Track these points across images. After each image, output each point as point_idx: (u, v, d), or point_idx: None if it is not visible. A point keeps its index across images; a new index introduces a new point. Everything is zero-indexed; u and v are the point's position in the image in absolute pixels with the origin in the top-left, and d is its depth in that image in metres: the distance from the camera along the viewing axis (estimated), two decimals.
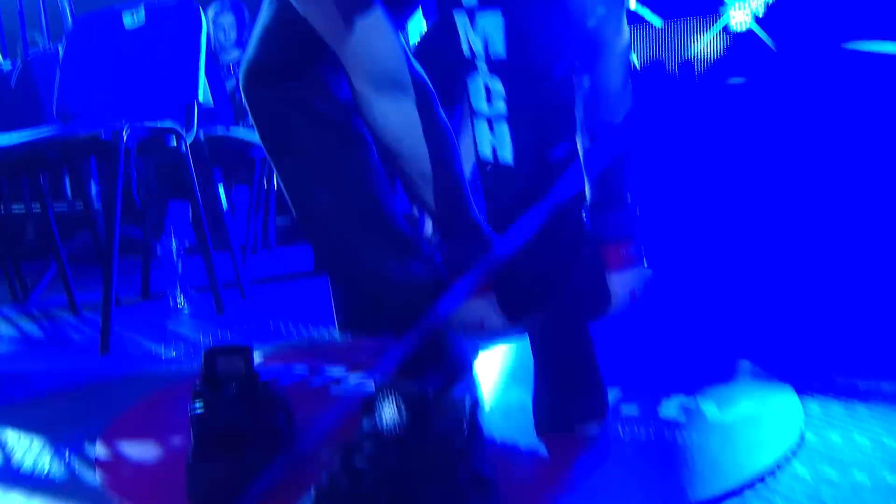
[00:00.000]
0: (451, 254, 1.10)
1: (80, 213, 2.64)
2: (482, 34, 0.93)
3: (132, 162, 1.72)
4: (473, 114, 0.98)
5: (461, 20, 0.94)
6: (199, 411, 0.92)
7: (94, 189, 2.77)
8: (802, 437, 1.00)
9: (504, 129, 0.96)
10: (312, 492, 0.74)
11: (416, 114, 1.02)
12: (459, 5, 0.94)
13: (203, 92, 2.15)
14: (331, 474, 0.74)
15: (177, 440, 1.10)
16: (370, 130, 1.07)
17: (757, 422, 1.08)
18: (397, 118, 1.02)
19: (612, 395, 1.20)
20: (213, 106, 2.72)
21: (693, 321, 1.74)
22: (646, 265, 1.14)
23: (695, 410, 1.13)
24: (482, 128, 0.97)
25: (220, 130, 2.63)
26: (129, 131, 1.72)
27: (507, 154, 0.97)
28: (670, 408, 1.14)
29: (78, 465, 1.04)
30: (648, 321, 1.69)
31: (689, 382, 1.27)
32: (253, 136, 2.58)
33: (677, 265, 2.49)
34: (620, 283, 1.10)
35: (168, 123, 1.93)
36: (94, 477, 0.99)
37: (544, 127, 0.97)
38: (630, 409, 1.14)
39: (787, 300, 1.92)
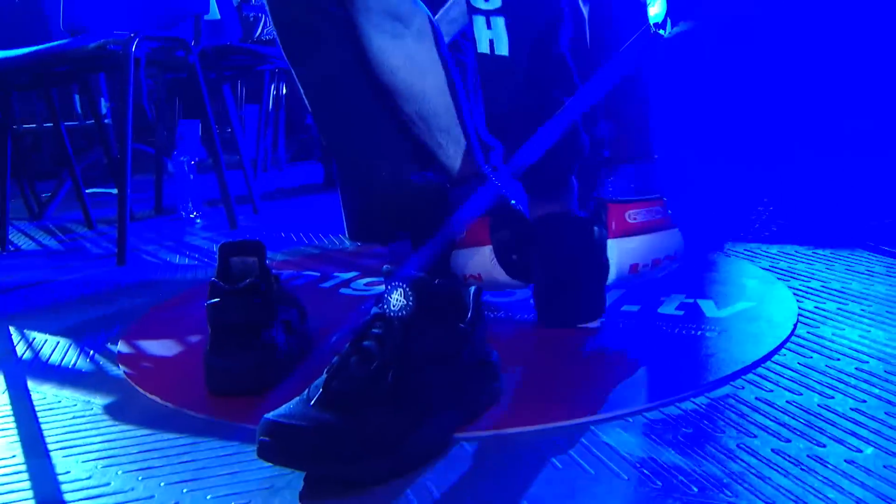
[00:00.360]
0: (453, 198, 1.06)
1: (92, 129, 2.65)
2: None
3: (142, 73, 1.72)
4: (472, 11, 0.97)
5: None
6: (214, 304, 0.95)
7: (104, 106, 2.78)
8: (794, 332, 1.04)
9: (500, 22, 0.95)
10: (325, 373, 0.78)
11: (416, 48, 0.95)
12: None
13: (211, 5, 2.14)
14: (341, 355, 0.77)
15: (195, 337, 1.15)
16: (366, 65, 0.97)
17: (751, 318, 1.11)
18: (395, 52, 0.95)
19: (613, 295, 1.23)
20: (220, 19, 2.68)
21: (695, 218, 1.76)
22: (672, 229, 1.02)
23: (693, 308, 1.16)
24: (480, 24, 0.97)
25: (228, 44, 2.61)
26: (137, 42, 1.72)
27: (503, 47, 0.96)
28: (669, 306, 1.17)
29: (102, 361, 1.09)
30: None
31: (689, 284, 1.30)
32: (262, 50, 2.56)
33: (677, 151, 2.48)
34: (619, 252, 1.01)
35: (176, 34, 1.92)
36: (119, 371, 1.04)
37: (538, 19, 0.96)
38: (631, 308, 1.18)
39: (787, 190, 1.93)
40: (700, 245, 1.60)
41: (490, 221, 1.05)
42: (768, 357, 0.95)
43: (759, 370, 0.91)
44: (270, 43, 3.17)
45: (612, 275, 1.03)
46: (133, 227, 2.17)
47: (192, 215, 2.33)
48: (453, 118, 0.99)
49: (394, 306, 0.79)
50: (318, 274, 1.51)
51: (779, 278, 1.30)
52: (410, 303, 0.78)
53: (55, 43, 1.77)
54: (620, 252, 1.01)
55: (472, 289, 0.84)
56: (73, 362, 1.09)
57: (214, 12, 2.59)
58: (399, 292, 0.79)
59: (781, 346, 0.98)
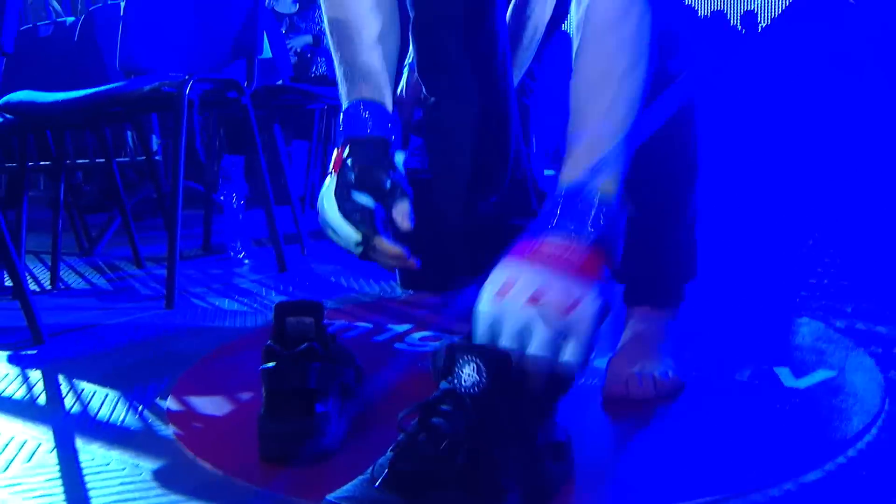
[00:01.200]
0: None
1: (142, 164, 2.69)
2: None
3: (195, 114, 1.73)
4: None
5: None
6: (271, 370, 0.93)
7: (155, 142, 2.82)
8: (884, 407, 0.97)
9: None
10: (390, 452, 0.74)
11: None
12: None
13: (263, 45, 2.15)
14: (409, 433, 0.73)
15: (246, 395, 1.12)
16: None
17: (834, 390, 1.04)
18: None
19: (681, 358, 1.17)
20: (271, 57, 2.71)
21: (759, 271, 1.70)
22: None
23: (768, 376, 1.10)
24: None
25: (280, 83, 2.64)
26: (192, 84, 1.73)
27: None
28: (743, 373, 1.11)
29: (152, 419, 1.06)
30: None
31: (761, 347, 1.24)
32: (313, 90, 2.57)
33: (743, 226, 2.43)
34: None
35: (229, 76, 1.94)
36: (168, 430, 1.02)
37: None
38: (703, 374, 1.12)
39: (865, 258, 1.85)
40: (765, 301, 1.53)
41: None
42: (859, 437, 0.88)
43: (851, 452, 0.85)
44: (322, 80, 3.21)
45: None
46: (181, 267, 2.16)
47: (239, 255, 2.33)
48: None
49: (465, 382, 0.74)
50: (371, 325, 1.48)
51: (858, 344, 1.23)
52: (484, 380, 0.74)
53: (111, 85, 1.80)
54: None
55: (549, 367, 0.79)
56: (122, 418, 1.07)
57: (266, 51, 2.62)
58: (472, 367, 0.75)
59: (872, 423, 0.92)
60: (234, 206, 2.33)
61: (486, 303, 0.78)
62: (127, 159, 2.97)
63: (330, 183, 0.98)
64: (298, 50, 3.44)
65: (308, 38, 3.45)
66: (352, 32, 1.00)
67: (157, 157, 2.70)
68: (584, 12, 0.84)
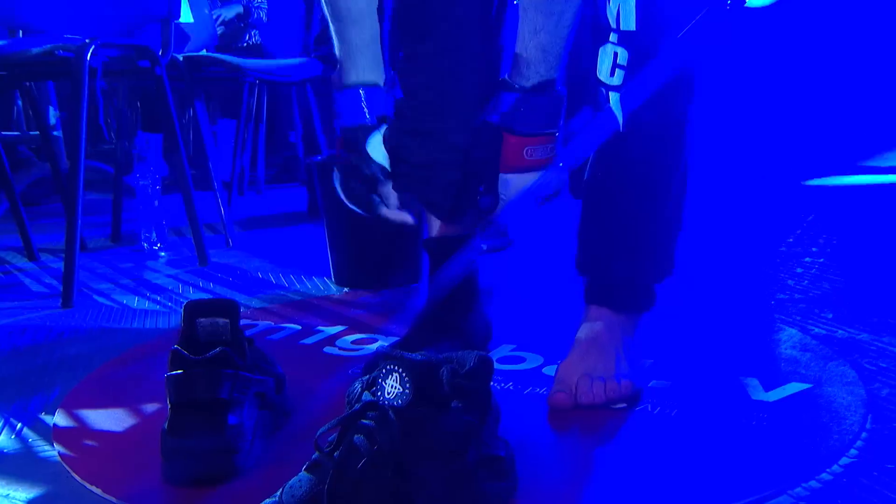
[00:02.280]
0: None
1: (37, 141, 2.62)
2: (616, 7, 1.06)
3: (98, 85, 1.69)
4: (596, 82, 1.10)
5: None
6: (176, 377, 0.92)
7: (52, 115, 2.75)
8: (865, 426, 1.00)
9: (616, 97, 1.09)
10: (304, 472, 0.74)
11: None
12: None
13: (183, 9, 2.12)
14: (326, 451, 0.74)
15: (150, 407, 1.11)
16: None
17: (809, 404, 1.07)
18: None
19: (641, 367, 1.19)
20: (192, 22, 2.67)
21: (734, 283, 1.74)
22: (559, 165, 1.11)
23: (735, 387, 1.12)
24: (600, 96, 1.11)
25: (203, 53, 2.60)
26: (94, 48, 1.69)
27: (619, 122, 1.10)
28: (706, 383, 1.14)
29: (33, 438, 1.04)
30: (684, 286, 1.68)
31: (729, 355, 1.26)
32: (241, 62, 2.54)
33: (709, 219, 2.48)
34: (514, 188, 1.09)
35: (140, 42, 1.90)
36: (52, 451, 0.99)
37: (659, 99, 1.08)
38: (661, 383, 1.14)
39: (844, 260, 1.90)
40: (737, 304, 1.57)
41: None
42: (835, 459, 0.91)
43: (824, 476, 0.87)
44: (253, 52, 3.17)
45: (503, 209, 1.11)
46: (84, 260, 2.14)
47: (155, 247, 2.29)
48: None
49: (388, 394, 0.75)
50: (300, 327, 1.48)
51: (838, 352, 1.27)
52: (408, 391, 0.74)
53: None
54: (514, 188, 1.10)
55: (482, 375, 0.80)
56: None
57: (187, 16, 2.58)
58: (395, 377, 0.75)
59: (850, 444, 0.94)
60: (149, 190, 2.30)
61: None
62: (16, 133, 2.89)
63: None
64: (226, 19, 3.40)
65: (238, 8, 3.41)
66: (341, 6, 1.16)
67: (55, 133, 2.63)
68: None
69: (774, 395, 1.09)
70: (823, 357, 1.24)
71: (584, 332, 1.15)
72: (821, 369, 1.19)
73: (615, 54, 1.08)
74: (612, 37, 1.08)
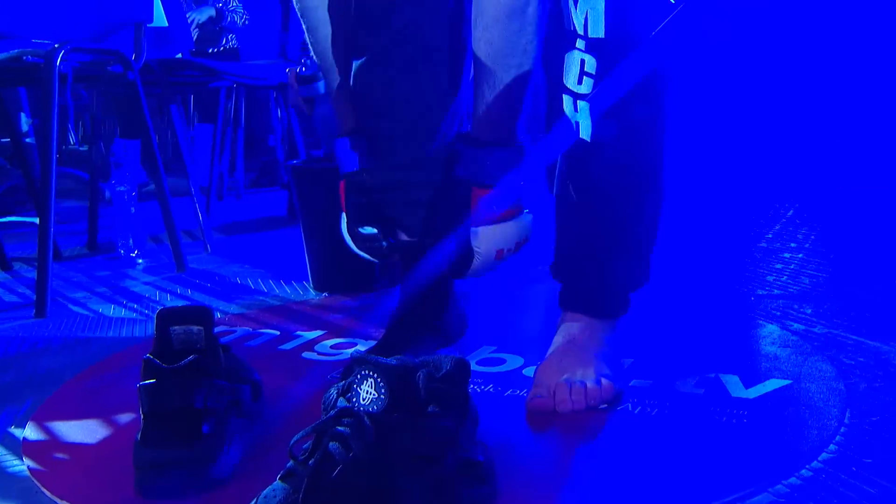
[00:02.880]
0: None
1: (7, 148, 2.58)
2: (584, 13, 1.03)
3: (69, 91, 1.67)
4: (563, 89, 1.08)
5: None
6: (149, 387, 0.90)
7: (24, 122, 2.71)
8: (844, 421, 1.00)
9: (585, 107, 1.07)
10: (278, 481, 0.73)
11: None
12: None
13: (157, 13, 2.09)
14: (300, 459, 0.72)
15: (124, 418, 1.09)
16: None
17: (788, 401, 1.07)
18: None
19: (622, 366, 1.19)
20: (167, 26, 2.65)
21: (713, 279, 1.74)
22: (525, 212, 1.16)
23: (715, 384, 1.12)
24: (568, 104, 1.08)
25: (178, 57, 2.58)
26: (64, 54, 1.67)
27: (586, 132, 1.07)
28: (687, 381, 1.13)
29: (1, 453, 1.01)
30: (664, 281, 1.68)
31: (708, 352, 1.26)
32: (216, 65, 2.52)
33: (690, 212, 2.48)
34: (486, 240, 1.12)
35: (112, 47, 1.88)
36: (22, 465, 0.97)
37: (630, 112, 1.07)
38: (641, 382, 1.13)
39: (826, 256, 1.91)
40: (716, 301, 1.57)
41: (345, 185, 1.23)
42: (814, 455, 0.91)
43: (804, 472, 0.87)
44: (230, 55, 3.15)
45: (479, 262, 1.13)
46: (59, 269, 2.11)
47: (132, 254, 2.27)
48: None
49: (364, 400, 0.74)
50: (278, 332, 1.46)
51: (817, 348, 1.27)
52: (384, 396, 0.73)
53: None
54: (487, 240, 1.12)
55: (459, 377, 0.79)
56: None
57: (161, 20, 2.56)
58: (370, 383, 0.74)
59: (830, 439, 0.94)
60: (125, 197, 2.27)
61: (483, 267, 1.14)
62: None
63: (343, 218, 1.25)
64: (200, 23, 3.38)
65: (211, 11, 3.39)
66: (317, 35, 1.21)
67: (28, 140, 2.60)
68: None
69: (754, 392, 1.09)
70: (803, 353, 1.24)
71: (561, 334, 1.14)
72: (800, 365, 1.19)
73: (582, 62, 1.06)
74: (580, 43, 1.05)
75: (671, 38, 1.07)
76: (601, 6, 1.03)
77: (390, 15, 1.15)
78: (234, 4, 3.42)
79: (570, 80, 1.07)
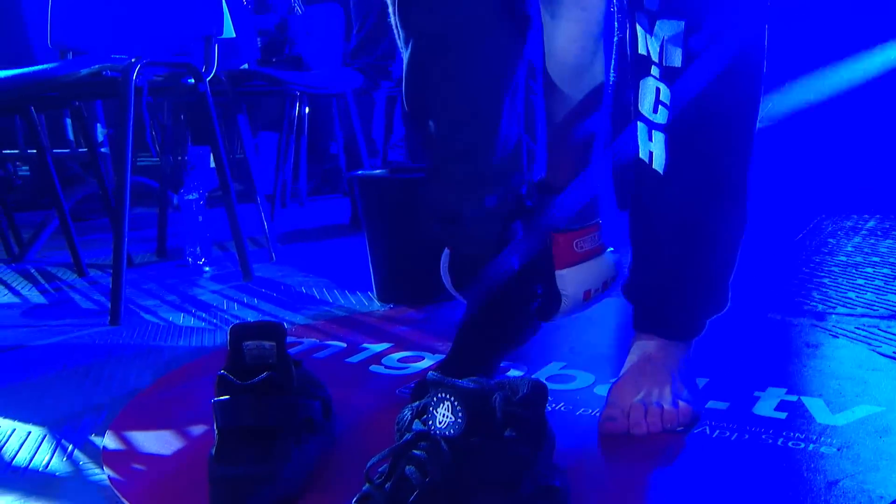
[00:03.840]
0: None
1: (85, 158, 2.66)
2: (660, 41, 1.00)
3: (144, 103, 1.70)
4: (638, 116, 1.05)
5: (642, 19, 1.01)
6: (223, 403, 0.91)
7: (100, 132, 2.78)
8: None
9: (661, 138, 1.04)
10: (354, 503, 0.73)
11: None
12: (640, 6, 1.01)
13: (225, 24, 2.13)
14: (377, 483, 0.72)
15: (198, 430, 1.10)
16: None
17: (881, 429, 1.02)
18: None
19: (698, 385, 1.16)
20: (235, 37, 2.69)
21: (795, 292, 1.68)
22: (609, 250, 1.15)
23: (798, 408, 1.08)
24: (642, 131, 1.06)
25: (244, 67, 2.62)
26: (140, 68, 1.71)
27: (660, 164, 1.05)
28: (767, 404, 1.10)
29: (83, 460, 1.04)
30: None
31: (789, 374, 1.22)
32: (281, 75, 2.55)
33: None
34: (572, 282, 1.11)
35: (184, 59, 1.91)
36: (102, 475, 0.99)
37: (707, 143, 1.04)
38: (718, 405, 1.10)
39: None
40: (795, 319, 1.52)
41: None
42: None
43: None
44: (294, 64, 3.19)
45: (568, 305, 1.13)
46: (130, 275, 2.16)
47: (199, 262, 2.31)
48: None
49: (440, 423, 0.73)
50: (345, 345, 1.47)
51: None
52: (461, 420, 0.72)
53: (40, 67, 1.76)
54: (572, 282, 1.12)
55: (536, 402, 0.78)
56: (46, 461, 1.04)
57: (229, 31, 2.60)
58: (447, 406, 0.73)
59: None
60: (194, 205, 2.31)
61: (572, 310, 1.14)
62: (67, 151, 2.93)
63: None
64: (263, 30, 3.42)
65: (275, 18, 3.43)
66: None
67: (103, 149, 2.66)
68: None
69: (842, 419, 1.05)
70: (895, 377, 1.19)
71: (635, 353, 1.11)
72: (893, 391, 1.14)
73: (657, 90, 1.02)
74: (654, 70, 1.01)
75: (751, 67, 1.02)
76: (680, 34, 0.99)
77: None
78: (298, 12, 3.45)
79: (646, 108, 1.04)
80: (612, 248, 1.16)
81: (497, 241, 1.15)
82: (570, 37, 1.06)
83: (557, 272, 1.11)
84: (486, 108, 1.10)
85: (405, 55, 1.11)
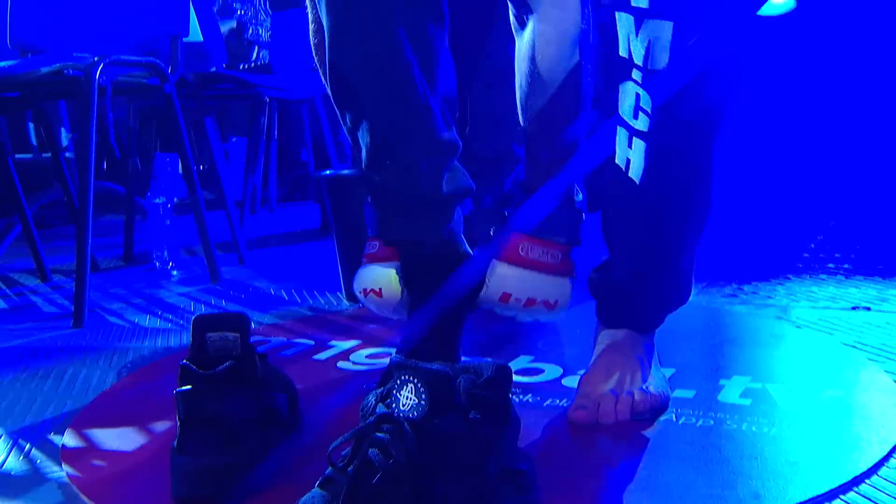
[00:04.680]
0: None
1: (48, 163, 2.62)
2: (645, 42, 0.96)
3: (108, 104, 1.68)
4: (618, 120, 1.01)
5: (625, 21, 0.96)
6: (185, 393, 0.89)
7: (64, 137, 2.74)
8: None
9: (641, 147, 1.00)
10: (317, 488, 0.71)
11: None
12: (627, 6, 0.96)
13: (192, 27, 2.11)
14: (339, 466, 0.71)
15: (161, 425, 1.08)
16: None
17: (841, 412, 1.03)
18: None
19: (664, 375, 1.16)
20: (202, 42, 2.67)
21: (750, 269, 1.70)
22: (566, 278, 1.10)
23: (762, 395, 1.09)
24: (622, 136, 1.01)
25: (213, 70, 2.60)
26: (103, 66, 1.68)
27: (636, 173, 1.01)
28: (733, 391, 1.10)
29: (41, 459, 1.01)
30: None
31: (754, 362, 1.23)
32: (251, 78, 2.54)
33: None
34: (498, 277, 1.08)
35: (149, 59, 1.89)
36: (61, 472, 0.97)
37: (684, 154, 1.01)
38: (684, 393, 1.10)
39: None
40: (759, 310, 1.53)
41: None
42: (873, 470, 0.87)
43: (863, 488, 0.83)
44: (263, 69, 3.17)
45: (485, 295, 1.10)
46: (96, 280, 2.12)
47: (167, 266, 2.28)
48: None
49: (404, 406, 0.72)
50: (313, 342, 1.45)
51: (871, 359, 1.22)
52: (424, 402, 0.71)
53: None
54: (499, 277, 1.09)
55: (500, 384, 0.77)
56: (2, 461, 1.01)
57: (196, 35, 2.58)
58: (410, 388, 0.72)
59: (889, 455, 0.90)
60: (161, 210, 2.29)
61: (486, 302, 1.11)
62: (30, 156, 2.89)
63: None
64: (224, 36, 3.39)
65: (232, 24, 3.39)
66: None
67: (67, 154, 2.62)
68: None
69: (804, 403, 1.05)
70: (855, 363, 1.20)
71: (603, 343, 1.11)
72: (853, 376, 1.15)
73: (637, 96, 0.98)
74: (636, 74, 0.97)
75: (734, 74, 1.00)
76: (668, 36, 0.94)
77: None
78: (263, 18, 3.42)
79: (626, 112, 1.00)
80: (572, 277, 1.11)
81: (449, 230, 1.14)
82: (546, 39, 1.04)
83: (493, 260, 1.09)
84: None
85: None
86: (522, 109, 1.10)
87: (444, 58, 1.10)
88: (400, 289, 1.14)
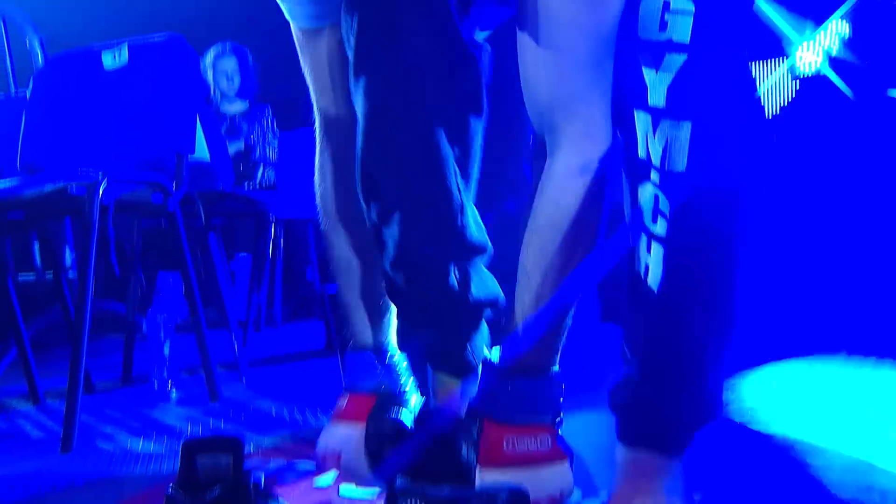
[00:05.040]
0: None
1: (50, 284, 2.59)
2: (663, 142, 0.93)
3: (110, 222, 1.65)
4: (638, 223, 0.98)
5: (642, 120, 0.93)
6: None
7: (69, 256, 2.72)
8: None
9: (659, 253, 0.95)
10: None
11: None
12: (644, 105, 0.93)
13: (199, 145, 2.12)
14: None
15: None
16: None
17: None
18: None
19: None
20: (209, 161, 2.69)
21: None
22: (563, 460, 1.00)
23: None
24: (642, 242, 0.97)
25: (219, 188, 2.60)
26: (105, 185, 1.66)
27: (654, 281, 0.96)
28: None
29: None
30: None
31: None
32: (258, 196, 2.54)
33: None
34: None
35: (153, 177, 1.88)
36: None
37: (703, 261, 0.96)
38: None
39: None
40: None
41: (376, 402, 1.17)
42: None
43: None
44: (269, 188, 3.19)
45: None
46: (91, 402, 2.05)
47: (166, 387, 2.20)
48: None
49: None
50: (315, 466, 1.36)
51: None
52: None
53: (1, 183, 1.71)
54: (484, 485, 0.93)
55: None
56: None
57: (203, 153, 2.59)
58: None
59: None
60: (160, 329, 2.23)
61: None
62: (32, 277, 2.86)
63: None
64: (233, 154, 3.44)
65: (239, 145, 3.45)
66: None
67: (70, 274, 2.59)
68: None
69: None
70: None
71: (627, 468, 1.02)
72: None
73: (656, 198, 0.94)
74: (654, 175, 0.93)
75: (755, 179, 0.97)
76: (686, 136, 0.91)
77: None
78: (271, 138, 3.47)
79: (645, 216, 0.96)
80: (568, 457, 1.01)
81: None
82: (569, 171, 0.98)
83: (478, 468, 0.95)
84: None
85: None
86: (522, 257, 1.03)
87: (479, 152, 1.07)
88: (363, 457, 1.12)
